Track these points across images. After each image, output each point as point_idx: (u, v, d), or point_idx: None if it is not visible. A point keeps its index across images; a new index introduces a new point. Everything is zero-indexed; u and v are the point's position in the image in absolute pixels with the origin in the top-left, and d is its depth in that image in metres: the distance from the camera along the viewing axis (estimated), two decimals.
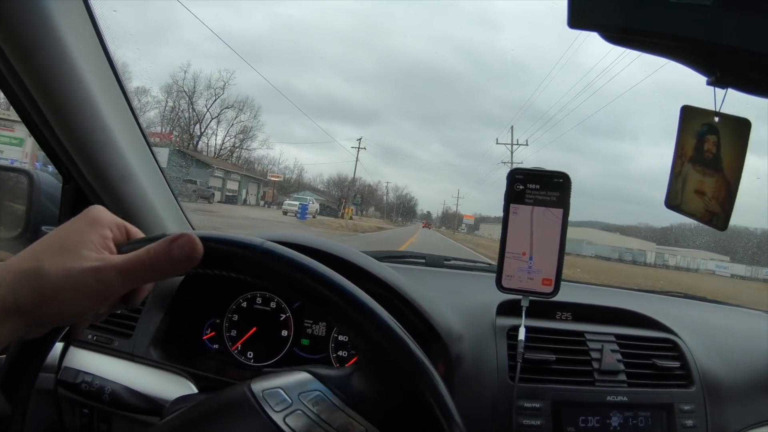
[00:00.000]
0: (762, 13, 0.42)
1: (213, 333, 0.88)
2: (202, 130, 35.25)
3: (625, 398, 0.71)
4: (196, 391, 0.76)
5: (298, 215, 19.74)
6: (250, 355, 0.87)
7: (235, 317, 0.88)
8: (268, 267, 0.43)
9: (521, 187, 0.74)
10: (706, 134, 0.56)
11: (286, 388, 0.47)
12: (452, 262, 1.23)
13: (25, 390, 0.48)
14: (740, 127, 0.54)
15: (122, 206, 0.83)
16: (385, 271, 0.78)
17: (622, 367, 0.75)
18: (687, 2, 0.44)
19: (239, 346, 0.88)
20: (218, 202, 24.61)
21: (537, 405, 0.69)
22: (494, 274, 0.73)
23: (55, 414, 0.80)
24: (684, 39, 0.47)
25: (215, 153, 35.43)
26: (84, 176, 0.79)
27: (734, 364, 0.84)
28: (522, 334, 0.71)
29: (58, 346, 0.82)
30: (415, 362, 0.45)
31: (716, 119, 0.54)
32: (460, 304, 0.84)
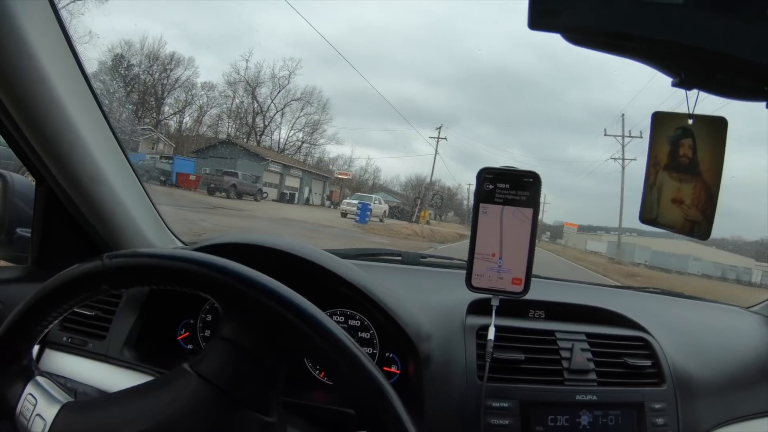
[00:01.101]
0: (731, 14, 0.42)
1: (187, 333, 0.89)
2: (266, 122, 32.25)
3: (595, 397, 0.71)
4: None
5: (357, 217, 16.45)
6: None
7: (209, 317, 0.89)
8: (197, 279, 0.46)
9: (491, 186, 0.74)
10: (680, 138, 0.55)
11: None
12: (428, 259, 1.23)
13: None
14: (716, 127, 0.53)
15: (94, 208, 0.83)
16: (352, 271, 0.78)
17: (592, 366, 0.75)
18: (657, 1, 0.43)
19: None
20: (273, 200, 22.47)
21: (505, 404, 0.69)
22: None
23: None
24: (648, 40, 0.46)
25: (279, 148, 32.44)
26: (55, 178, 0.79)
27: (708, 360, 0.84)
28: (491, 334, 0.71)
29: (34, 348, 0.82)
30: (371, 382, 0.46)
31: (690, 121, 0.54)
32: (431, 302, 0.84)
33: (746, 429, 0.80)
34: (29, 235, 0.90)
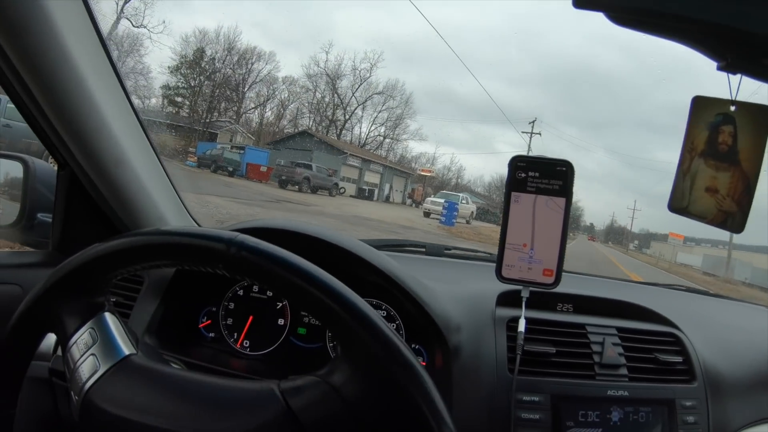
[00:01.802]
0: None
1: (209, 321, 0.88)
2: (347, 117, 30.97)
3: (626, 393, 0.70)
4: None
5: (443, 218, 14.60)
6: (246, 344, 0.86)
7: (232, 305, 0.88)
8: (244, 265, 0.44)
9: (523, 175, 0.73)
10: (720, 125, 0.52)
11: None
12: (452, 251, 1.21)
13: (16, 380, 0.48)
14: (760, 115, 0.51)
15: (117, 192, 0.83)
16: (383, 260, 0.76)
17: (623, 360, 0.73)
18: None
19: (236, 335, 0.87)
20: (350, 196, 21.53)
21: (536, 398, 0.67)
22: (494, 264, 0.72)
23: (50, 402, 0.79)
24: (693, 21, 0.44)
25: (360, 143, 31.02)
26: (78, 162, 0.78)
27: (736, 359, 0.82)
28: (522, 326, 0.70)
29: (53, 335, 0.81)
30: (403, 364, 0.44)
31: (732, 108, 0.51)
32: (459, 293, 0.83)
33: None
34: (50, 220, 0.89)
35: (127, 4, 21.85)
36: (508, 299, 0.78)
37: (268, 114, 29.91)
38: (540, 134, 24.87)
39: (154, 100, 25.37)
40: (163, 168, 0.91)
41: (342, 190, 20.56)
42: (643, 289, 1.16)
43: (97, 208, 0.87)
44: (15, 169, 0.90)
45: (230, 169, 17.85)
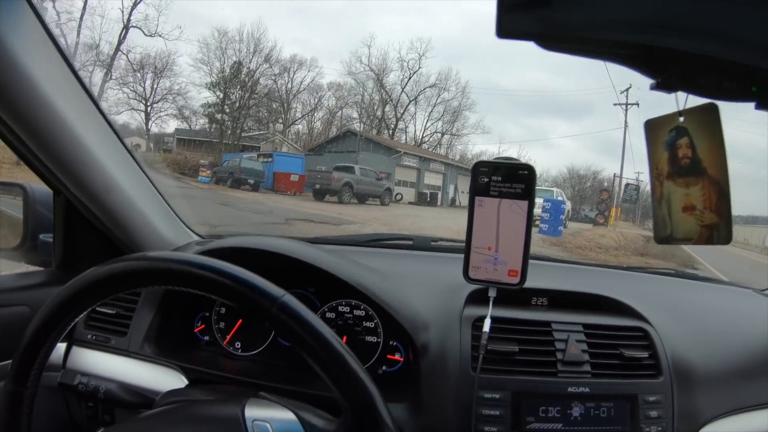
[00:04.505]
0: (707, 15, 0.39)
1: (203, 326, 0.94)
2: (398, 114, 27.20)
3: (587, 389, 0.72)
4: (186, 383, 0.83)
5: (545, 224, 10.12)
6: (238, 345, 0.92)
7: (222, 310, 0.94)
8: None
9: (486, 179, 0.75)
10: (676, 140, 0.52)
11: (273, 426, 0.54)
12: (439, 243, 1.24)
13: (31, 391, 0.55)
14: (709, 116, 0.50)
15: (110, 216, 0.88)
16: (349, 270, 0.81)
17: (586, 357, 0.75)
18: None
19: (227, 337, 0.93)
20: (409, 202, 17.90)
21: (497, 395, 0.71)
22: None
23: (63, 407, 0.88)
24: (618, 43, 0.44)
25: (416, 141, 27.51)
26: (70, 190, 0.83)
27: (713, 348, 0.83)
28: (487, 326, 0.73)
29: (62, 346, 0.89)
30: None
31: (681, 119, 0.51)
32: (432, 291, 0.86)
33: (750, 420, 0.79)
34: (51, 240, 0.96)
35: (137, 12, 20.92)
36: (479, 297, 0.81)
37: (317, 124, 28.11)
38: (638, 105, 18.58)
39: (201, 120, 24.45)
40: (152, 184, 0.96)
41: (398, 197, 17.15)
42: (623, 276, 1.16)
43: (94, 228, 0.93)
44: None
45: (250, 181, 14.86)
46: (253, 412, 0.54)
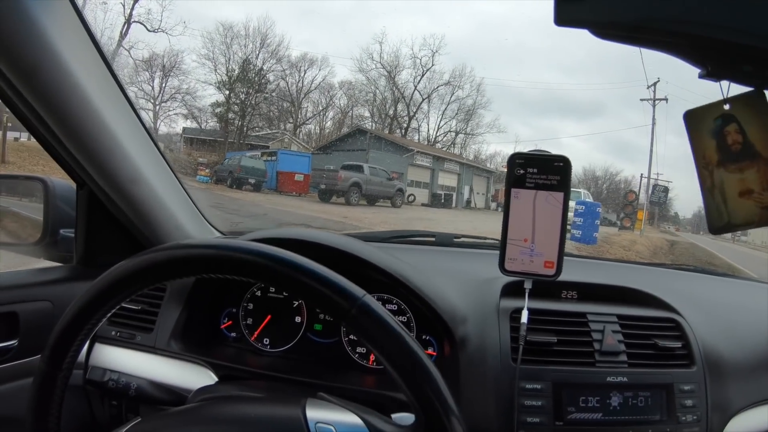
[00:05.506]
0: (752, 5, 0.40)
1: (230, 322, 0.93)
2: (411, 112, 26.11)
3: (625, 379, 0.73)
4: (216, 379, 0.81)
5: (578, 231, 9.01)
6: (266, 341, 0.91)
7: (250, 306, 0.92)
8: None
9: (522, 171, 0.75)
10: (723, 127, 0.51)
11: (338, 430, 0.50)
12: (462, 239, 1.24)
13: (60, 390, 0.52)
14: (756, 102, 0.50)
15: (135, 208, 0.87)
16: (388, 260, 0.80)
17: (622, 347, 0.76)
18: None
19: (255, 333, 0.92)
20: (422, 204, 17.22)
21: (538, 386, 0.71)
22: None
23: (85, 407, 0.85)
24: (671, 33, 0.45)
25: (429, 141, 26.57)
26: (95, 181, 0.82)
27: (739, 340, 0.84)
28: (525, 317, 0.73)
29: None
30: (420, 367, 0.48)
31: (726, 106, 0.51)
32: (466, 285, 0.86)
33: None
34: (72, 235, 0.94)
35: (138, 7, 20.44)
36: (512, 289, 0.82)
37: (329, 124, 27.16)
38: (666, 100, 17.02)
39: (211, 122, 23.69)
40: (177, 178, 0.95)
41: (411, 198, 16.31)
42: (648, 271, 1.17)
43: (117, 222, 0.91)
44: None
45: (251, 181, 14.03)
46: (314, 413, 0.52)
